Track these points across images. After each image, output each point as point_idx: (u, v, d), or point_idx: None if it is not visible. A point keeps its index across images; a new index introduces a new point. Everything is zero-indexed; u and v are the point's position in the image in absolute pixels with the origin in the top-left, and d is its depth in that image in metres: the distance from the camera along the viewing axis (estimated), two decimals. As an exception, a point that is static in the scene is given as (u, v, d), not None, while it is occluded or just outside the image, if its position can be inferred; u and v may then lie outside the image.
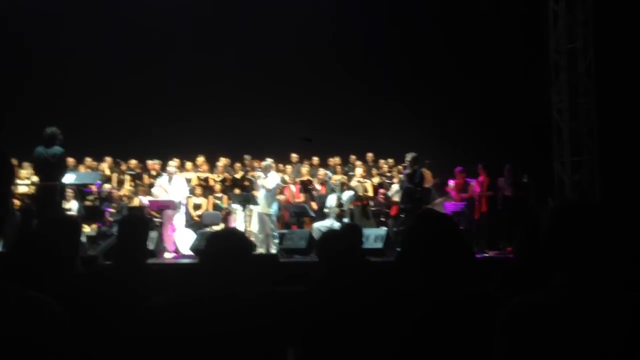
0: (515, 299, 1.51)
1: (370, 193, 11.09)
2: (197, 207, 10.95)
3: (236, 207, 10.33)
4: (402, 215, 9.35)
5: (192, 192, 10.90)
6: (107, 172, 11.71)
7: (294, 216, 10.71)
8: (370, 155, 12.31)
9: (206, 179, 11.37)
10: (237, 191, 10.87)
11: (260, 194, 9.47)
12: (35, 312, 1.21)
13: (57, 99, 12.28)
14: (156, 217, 10.18)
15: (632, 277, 1.52)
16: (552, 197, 10.43)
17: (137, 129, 12.49)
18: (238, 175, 11.56)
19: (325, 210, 10.43)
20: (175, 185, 9.85)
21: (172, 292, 2.21)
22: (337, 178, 10.98)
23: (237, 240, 2.27)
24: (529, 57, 12.53)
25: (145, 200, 10.44)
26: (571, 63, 11.62)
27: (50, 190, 7.38)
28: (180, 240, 9.67)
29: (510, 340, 1.47)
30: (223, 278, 2.15)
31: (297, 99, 13.09)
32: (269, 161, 9.77)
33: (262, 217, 9.36)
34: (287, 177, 11.52)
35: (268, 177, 9.44)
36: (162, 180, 10.08)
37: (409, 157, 9.26)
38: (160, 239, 9.17)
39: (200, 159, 11.66)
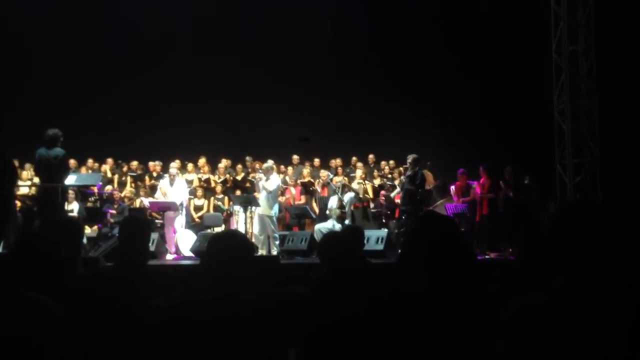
0: (516, 300, 1.51)
1: (371, 195, 11.09)
2: (198, 208, 10.96)
3: (237, 208, 10.33)
4: (403, 217, 9.35)
5: (193, 193, 10.91)
6: (109, 173, 11.73)
7: (295, 218, 10.72)
8: (371, 157, 12.32)
9: (207, 181, 11.38)
10: (238, 193, 10.88)
11: (261, 196, 9.47)
12: (36, 313, 1.21)
13: (58, 100, 12.30)
14: (157, 219, 10.20)
15: (634, 278, 1.52)
16: (553, 200, 10.42)
17: (138, 131, 12.51)
18: (239, 177, 11.58)
19: (327, 211, 10.42)
20: (176, 187, 9.86)
21: (173, 293, 2.21)
22: (338, 180, 10.98)
23: (238, 241, 2.27)
24: (530, 59, 12.53)
25: (146, 201, 10.45)
26: (572, 65, 11.62)
27: (51, 192, 7.39)
28: (181, 242, 9.67)
29: (511, 342, 1.47)
30: (224, 279, 2.15)
31: (298, 100, 13.10)
32: (270, 163, 9.77)
33: (263, 219, 9.36)
34: (288, 179, 11.52)
35: (269, 179, 9.44)
36: (163, 182, 10.09)
37: (410, 158, 9.27)
38: (161, 241, 9.18)
39: (202, 161, 11.68)
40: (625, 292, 1.46)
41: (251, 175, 11.28)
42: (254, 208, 9.44)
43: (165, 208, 9.75)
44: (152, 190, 10.75)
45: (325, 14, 13.58)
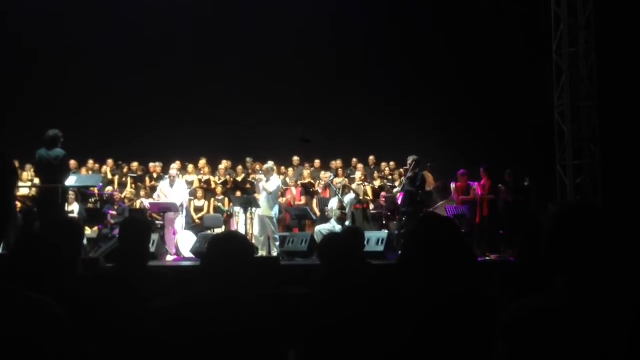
0: (516, 302, 1.51)
1: (370, 196, 11.09)
2: (198, 209, 10.96)
3: (237, 209, 10.33)
4: (404, 219, 9.35)
5: (193, 194, 10.92)
6: (109, 174, 11.73)
7: (295, 219, 10.72)
8: (372, 158, 12.32)
9: (208, 182, 11.39)
10: (238, 194, 10.88)
11: (261, 197, 9.47)
12: (36, 313, 1.21)
13: (58, 101, 12.31)
14: (157, 220, 10.20)
15: (634, 280, 1.51)
16: (553, 201, 10.42)
17: (138, 131, 12.51)
18: (239, 178, 11.58)
19: (327, 213, 10.42)
20: (176, 188, 9.86)
21: (173, 294, 2.21)
22: (339, 181, 10.98)
23: (238, 242, 2.27)
24: (530, 60, 12.53)
25: (146, 202, 10.46)
26: (573, 66, 11.62)
27: (52, 193, 7.39)
28: (181, 243, 9.68)
29: (512, 344, 1.47)
30: (224, 280, 2.15)
31: (299, 101, 13.11)
32: (270, 164, 9.76)
33: (263, 220, 9.36)
34: (288, 180, 11.52)
35: (269, 180, 9.44)
36: (163, 183, 10.10)
37: (410, 160, 9.27)
38: (161, 242, 9.18)
39: (202, 162, 11.70)
40: (625, 294, 1.46)
41: (251, 176, 11.28)
42: (254, 209, 9.44)
43: (165, 209, 9.75)
44: (153, 191, 10.76)
45: (325, 15, 13.60)
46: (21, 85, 12.36)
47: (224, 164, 11.78)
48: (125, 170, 11.87)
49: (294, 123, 12.40)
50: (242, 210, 9.82)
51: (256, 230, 9.38)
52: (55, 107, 11.91)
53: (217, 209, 11.06)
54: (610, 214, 1.55)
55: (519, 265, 3.20)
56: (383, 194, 10.99)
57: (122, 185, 11.51)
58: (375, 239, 8.71)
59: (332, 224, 9.88)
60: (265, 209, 9.33)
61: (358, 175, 11.19)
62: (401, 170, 11.12)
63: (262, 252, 9.17)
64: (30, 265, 2.46)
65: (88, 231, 9.95)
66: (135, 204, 10.68)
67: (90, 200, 10.70)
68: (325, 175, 11.26)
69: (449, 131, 12.54)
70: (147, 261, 3.11)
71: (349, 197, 10.47)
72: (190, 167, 11.61)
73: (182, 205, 9.85)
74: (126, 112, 12.77)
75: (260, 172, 10.07)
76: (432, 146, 11.54)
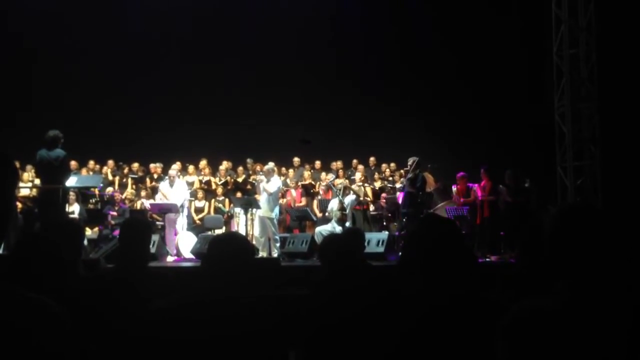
0: (517, 304, 1.51)
1: (370, 197, 11.09)
2: (199, 210, 10.96)
3: (238, 210, 10.33)
4: (404, 220, 9.35)
5: (194, 195, 10.92)
6: (110, 175, 11.73)
7: (295, 220, 10.72)
8: (372, 160, 12.33)
9: (208, 183, 11.39)
10: (239, 195, 10.88)
11: (262, 198, 9.46)
12: (36, 313, 1.21)
13: (59, 101, 12.29)
14: (158, 221, 10.20)
15: (634, 281, 1.51)
16: (553, 203, 10.41)
17: (139, 132, 12.51)
18: (240, 179, 11.59)
19: (327, 214, 10.42)
20: (176, 189, 9.86)
21: (173, 295, 2.21)
22: (339, 182, 10.98)
23: (238, 243, 2.27)
24: (531, 62, 12.54)
25: (147, 203, 10.46)
26: (573, 68, 11.62)
27: (52, 193, 7.39)
28: (181, 244, 9.68)
29: (512, 346, 1.47)
30: (224, 281, 2.15)
31: (299, 102, 13.10)
32: (271, 165, 9.76)
33: (263, 221, 9.35)
34: (289, 181, 11.52)
35: (270, 181, 9.44)
36: (163, 184, 10.10)
37: (410, 161, 9.27)
38: (162, 242, 9.18)
39: (203, 163, 11.70)
40: (625, 296, 1.46)
41: (252, 177, 11.28)
42: (254, 210, 9.44)
43: (166, 210, 9.75)
44: (153, 192, 10.76)
45: (325, 15, 13.60)
46: (21, 86, 12.36)
47: (225, 165, 11.78)
48: (126, 171, 11.86)
49: (295, 124, 12.41)
50: (242, 211, 9.81)
51: (256, 231, 9.38)
52: (55, 107, 11.91)
53: (217, 210, 11.06)
54: (611, 215, 1.55)
55: (520, 267, 3.20)
56: (383, 195, 10.99)
57: (123, 186, 11.51)
58: (375, 240, 8.71)
59: (333, 225, 9.88)
60: (265, 209, 9.33)
61: (358, 176, 11.20)
62: (401, 171, 11.12)
63: (262, 253, 9.17)
64: (30, 266, 2.46)
65: (88, 232, 9.95)
66: (135, 205, 10.67)
67: (90, 201, 10.70)
68: (326, 177, 11.27)
69: (449, 132, 12.54)
70: (147, 262, 3.11)
71: (350, 198, 10.46)
72: (191, 167, 11.61)
73: (182, 206, 9.85)
74: (127, 112, 12.77)
75: (261, 173, 10.07)
76: (432, 147, 11.53)
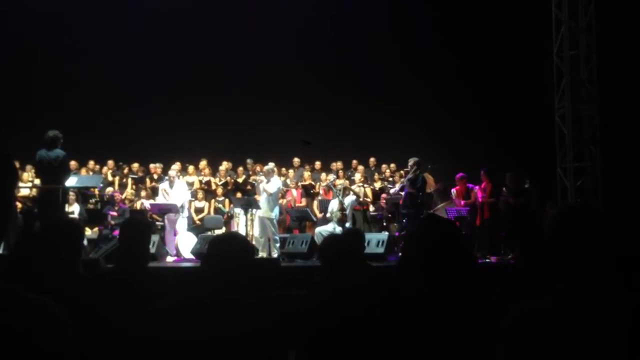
0: (517, 305, 1.51)
1: (370, 198, 11.09)
2: (199, 210, 10.96)
3: (238, 211, 10.33)
4: (404, 220, 9.35)
5: (194, 195, 10.92)
6: (109, 175, 11.73)
7: (295, 220, 10.72)
8: (372, 160, 12.33)
9: (208, 183, 11.39)
10: (239, 195, 10.88)
11: (262, 198, 9.46)
12: (36, 313, 1.21)
13: (59, 101, 12.29)
14: (158, 221, 10.20)
15: (634, 282, 1.51)
16: (551, 203, 10.41)
17: (139, 132, 12.50)
18: (240, 179, 11.58)
19: (328, 214, 10.42)
20: (176, 189, 9.86)
21: (173, 295, 2.21)
22: (340, 182, 10.98)
23: (238, 244, 2.27)
24: (531, 63, 12.54)
25: (147, 203, 10.46)
26: (574, 69, 11.63)
27: (52, 193, 7.39)
28: (181, 244, 9.67)
29: (512, 347, 1.46)
30: (224, 282, 2.15)
31: (299, 102, 13.10)
32: (271, 165, 9.76)
33: (263, 221, 9.35)
34: (289, 181, 11.53)
35: (270, 181, 9.44)
36: (164, 185, 10.10)
37: (411, 161, 9.27)
38: (161, 243, 9.18)
39: (203, 163, 11.70)
40: (625, 296, 1.45)
41: (252, 177, 11.28)
42: (254, 210, 9.43)
43: (165, 210, 9.75)
44: (153, 192, 10.76)
45: (325, 15, 13.60)
46: (21, 86, 12.36)
47: (225, 165, 11.78)
48: (126, 171, 11.86)
49: (295, 124, 12.41)
50: (242, 212, 9.81)
51: (256, 232, 9.38)
52: (55, 107, 11.90)
53: (217, 210, 11.06)
54: (611, 216, 1.54)
55: (519, 268, 3.20)
56: (383, 195, 10.98)
57: (123, 186, 11.50)
58: (375, 240, 8.71)
59: (333, 226, 9.88)
60: (265, 210, 9.33)
61: (358, 176, 11.20)
62: (401, 172, 11.13)
63: (262, 254, 9.17)
64: (30, 266, 2.46)
65: (88, 232, 9.94)
66: (135, 205, 10.67)
67: (90, 201, 10.70)
68: (327, 177, 11.27)
69: (450, 133, 12.54)
70: (147, 262, 3.11)
71: (350, 199, 10.46)
72: (191, 168, 11.61)
73: (182, 206, 9.85)
74: (127, 112, 12.76)
75: (261, 173, 10.07)
76: (432, 148, 11.54)
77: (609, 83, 11.32)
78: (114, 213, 10.26)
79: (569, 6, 11.62)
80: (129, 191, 11.23)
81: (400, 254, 7.80)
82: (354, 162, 12.13)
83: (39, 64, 12.53)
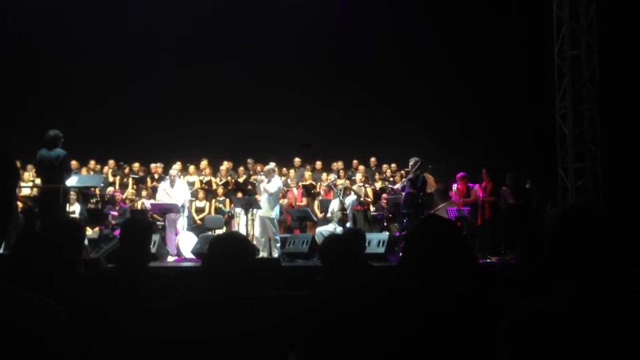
0: (517, 305, 1.51)
1: (371, 198, 11.09)
2: (199, 210, 10.96)
3: (238, 210, 10.33)
4: (405, 220, 9.35)
5: (194, 195, 10.92)
6: (110, 175, 11.74)
7: (296, 220, 10.71)
8: (373, 160, 12.33)
9: (209, 183, 11.39)
10: (239, 195, 10.88)
11: (262, 198, 9.46)
12: (36, 313, 1.21)
13: (60, 101, 12.30)
14: (158, 221, 10.20)
15: (634, 282, 1.51)
16: (552, 203, 10.41)
17: (140, 132, 12.51)
18: (241, 179, 11.58)
19: (328, 214, 10.42)
20: (176, 189, 9.86)
21: (174, 295, 2.21)
22: (340, 182, 10.98)
23: (239, 244, 2.27)
24: (532, 63, 12.53)
25: (147, 203, 10.46)
26: (575, 69, 11.62)
27: (53, 193, 7.39)
28: (182, 244, 9.68)
29: (513, 347, 1.46)
30: (225, 281, 2.15)
31: (300, 102, 13.10)
32: (271, 165, 9.76)
33: (264, 221, 9.35)
34: (289, 181, 11.53)
35: (270, 181, 9.44)
36: (165, 184, 10.10)
37: (411, 161, 9.27)
38: (162, 242, 9.18)
39: (203, 163, 11.70)
40: (626, 296, 1.45)
41: (252, 177, 11.28)
42: (255, 210, 9.44)
43: (166, 210, 9.75)
44: (154, 192, 10.76)
45: (325, 16, 13.60)
46: (21, 86, 12.36)
47: (225, 165, 11.78)
48: (127, 170, 11.86)
49: (295, 124, 12.40)
50: (243, 211, 9.81)
51: (257, 232, 9.38)
52: (56, 107, 11.91)
53: (218, 210, 11.06)
54: (612, 216, 1.54)
55: (520, 268, 3.20)
56: (384, 195, 10.98)
57: (123, 186, 11.51)
58: (376, 240, 8.71)
59: (333, 226, 9.87)
60: (266, 210, 9.33)
61: (359, 176, 11.20)
62: (402, 172, 11.12)
63: (262, 254, 9.17)
64: (31, 266, 2.46)
65: (89, 232, 9.94)
66: (136, 205, 10.68)
67: (91, 200, 10.70)
68: (327, 177, 11.27)
69: (450, 133, 12.53)
70: (147, 262, 3.11)
71: (350, 199, 10.46)
72: (192, 168, 11.61)
73: (183, 206, 9.85)
74: (127, 112, 12.77)
75: (262, 173, 10.07)
76: (433, 148, 11.53)
77: (610, 83, 11.32)
78: (115, 213, 10.27)
79: (570, 6, 11.62)
80: (130, 191, 11.23)
81: (400, 254, 7.80)
82: (355, 162, 12.12)
83: (39, 64, 12.54)
